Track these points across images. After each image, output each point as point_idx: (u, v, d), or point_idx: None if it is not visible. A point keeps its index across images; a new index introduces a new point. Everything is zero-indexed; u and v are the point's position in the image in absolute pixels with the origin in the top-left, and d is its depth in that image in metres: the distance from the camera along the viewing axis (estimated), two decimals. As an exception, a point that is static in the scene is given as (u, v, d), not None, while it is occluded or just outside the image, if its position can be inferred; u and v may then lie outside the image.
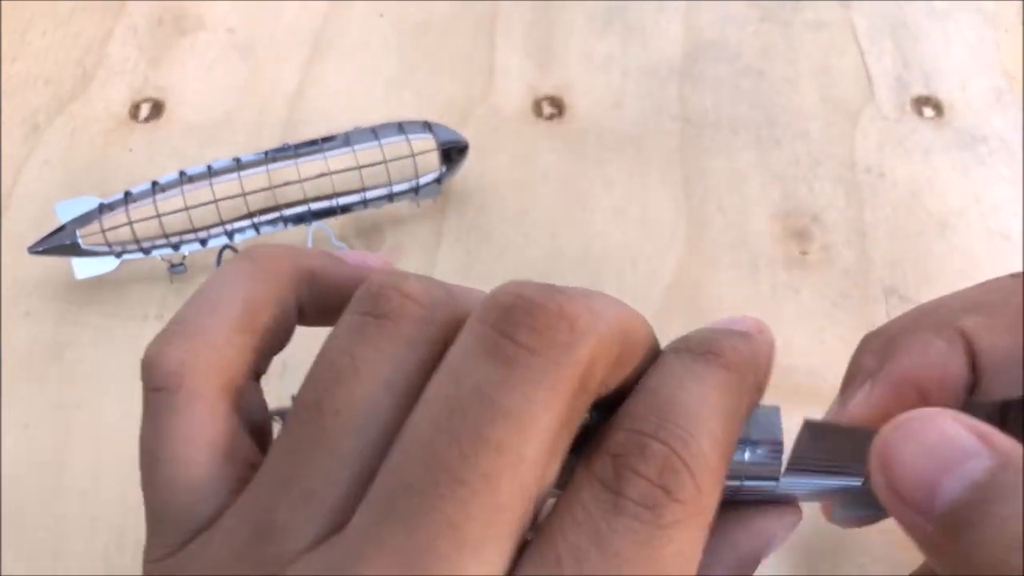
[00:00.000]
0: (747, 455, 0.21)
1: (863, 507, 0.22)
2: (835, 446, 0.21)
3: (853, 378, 0.25)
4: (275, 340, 0.22)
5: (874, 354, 0.25)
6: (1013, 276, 0.25)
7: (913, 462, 0.19)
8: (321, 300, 0.22)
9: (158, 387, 0.20)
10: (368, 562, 0.16)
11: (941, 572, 0.19)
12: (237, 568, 0.17)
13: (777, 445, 0.21)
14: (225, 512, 0.19)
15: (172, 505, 0.19)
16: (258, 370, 0.22)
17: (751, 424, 0.21)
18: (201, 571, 0.18)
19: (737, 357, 0.20)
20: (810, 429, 0.20)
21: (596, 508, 0.17)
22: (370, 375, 0.18)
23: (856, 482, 0.21)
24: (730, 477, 0.20)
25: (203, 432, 0.20)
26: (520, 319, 0.18)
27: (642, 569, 0.17)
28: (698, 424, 0.18)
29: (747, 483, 0.21)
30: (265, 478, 0.18)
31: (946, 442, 0.19)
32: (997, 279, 0.25)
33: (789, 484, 0.21)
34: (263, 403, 0.22)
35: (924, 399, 0.23)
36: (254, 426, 0.21)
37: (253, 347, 0.21)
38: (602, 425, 0.19)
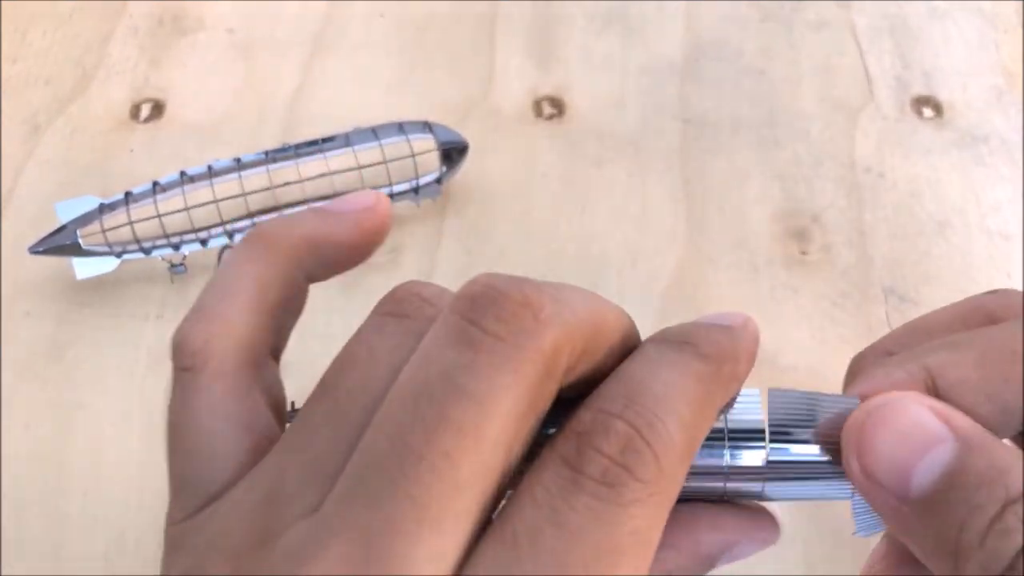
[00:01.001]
0: (728, 456, 0.21)
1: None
2: (802, 415, 0.21)
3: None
4: (288, 315, 0.23)
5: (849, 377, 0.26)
6: (988, 293, 0.26)
7: (886, 449, 0.20)
8: (326, 259, 0.24)
9: (185, 367, 0.21)
10: (336, 538, 0.17)
11: (913, 548, 0.20)
12: (243, 528, 0.18)
13: (758, 433, 0.21)
14: (242, 479, 0.20)
15: (193, 471, 0.20)
16: (276, 346, 0.23)
17: (731, 414, 0.21)
18: (213, 530, 0.19)
19: (713, 348, 0.20)
20: (773, 397, 0.21)
21: (555, 486, 0.18)
22: (383, 362, 0.20)
23: (842, 493, 0.22)
24: (712, 476, 0.21)
25: (224, 406, 0.21)
26: (487, 307, 0.18)
27: (597, 546, 0.17)
28: (666, 407, 0.19)
29: (731, 485, 0.21)
30: (280, 448, 0.20)
31: (916, 428, 0.20)
32: (971, 299, 0.26)
33: (774, 490, 0.21)
34: (279, 380, 0.23)
35: None
36: (273, 402, 0.22)
37: (268, 325, 0.22)
38: (572, 410, 0.19)
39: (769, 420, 0.21)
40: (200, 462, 0.20)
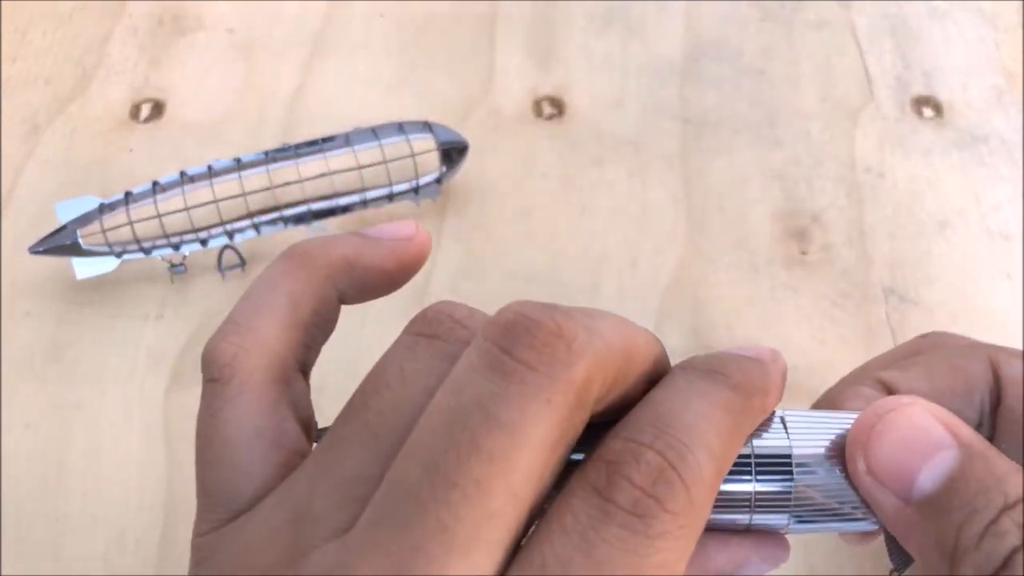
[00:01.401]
0: (755, 486, 0.21)
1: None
2: (824, 439, 0.22)
3: None
4: (319, 332, 0.23)
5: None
6: (920, 337, 0.30)
7: (892, 451, 0.21)
8: (360, 282, 0.24)
9: (214, 378, 0.21)
10: (365, 561, 0.17)
11: (910, 549, 0.21)
12: (271, 547, 0.18)
13: (785, 460, 0.21)
14: (270, 494, 0.20)
15: (220, 484, 0.20)
16: (305, 363, 0.23)
17: (756, 441, 0.21)
18: (241, 546, 0.19)
19: (744, 378, 0.20)
20: (792, 421, 0.22)
21: (585, 514, 0.18)
22: (415, 384, 0.20)
23: (869, 524, 0.22)
24: (738, 508, 0.21)
25: (252, 419, 0.21)
26: (520, 336, 0.19)
27: None
28: (696, 438, 0.19)
29: (756, 519, 0.21)
30: (309, 466, 0.20)
31: (920, 433, 0.21)
32: (908, 343, 0.30)
33: (800, 525, 0.21)
34: (308, 397, 0.23)
35: None
36: (300, 417, 0.22)
37: (299, 341, 0.23)
38: (601, 435, 0.19)
39: (793, 448, 0.21)
40: (227, 474, 0.20)
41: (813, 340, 0.41)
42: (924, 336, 0.30)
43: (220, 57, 0.51)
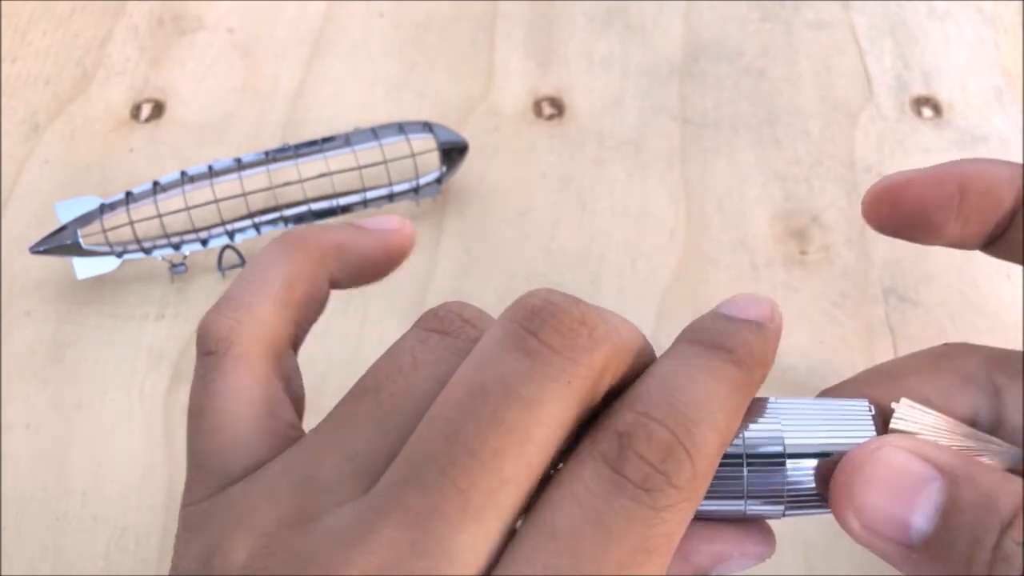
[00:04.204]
0: (746, 474, 0.21)
1: None
2: (816, 425, 0.22)
3: None
4: (310, 312, 0.24)
5: None
6: (943, 346, 0.27)
7: (879, 503, 0.20)
8: (350, 269, 0.25)
9: (210, 351, 0.22)
10: (386, 518, 0.18)
11: None
12: (275, 509, 0.19)
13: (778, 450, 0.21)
14: (270, 462, 0.20)
15: (214, 452, 0.21)
16: (296, 340, 0.24)
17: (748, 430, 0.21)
18: (244, 509, 0.19)
19: (747, 352, 0.21)
20: (783, 408, 0.22)
21: (597, 485, 0.18)
22: (426, 372, 0.21)
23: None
24: (732, 496, 0.21)
25: (248, 390, 0.22)
26: (546, 319, 0.20)
27: (633, 547, 0.18)
28: (704, 415, 0.19)
29: (751, 508, 0.21)
30: (318, 437, 0.20)
31: (903, 476, 0.20)
32: (930, 350, 0.27)
33: (794, 510, 0.21)
34: (299, 372, 0.24)
35: None
36: (292, 392, 0.23)
37: (291, 318, 0.23)
38: (610, 404, 0.20)
39: (786, 437, 0.21)
40: (223, 443, 0.21)
41: (813, 340, 0.41)
42: (946, 345, 0.28)
43: (220, 57, 0.51)
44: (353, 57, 0.51)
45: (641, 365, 0.22)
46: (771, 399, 0.22)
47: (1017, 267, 0.43)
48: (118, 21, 0.52)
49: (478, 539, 0.18)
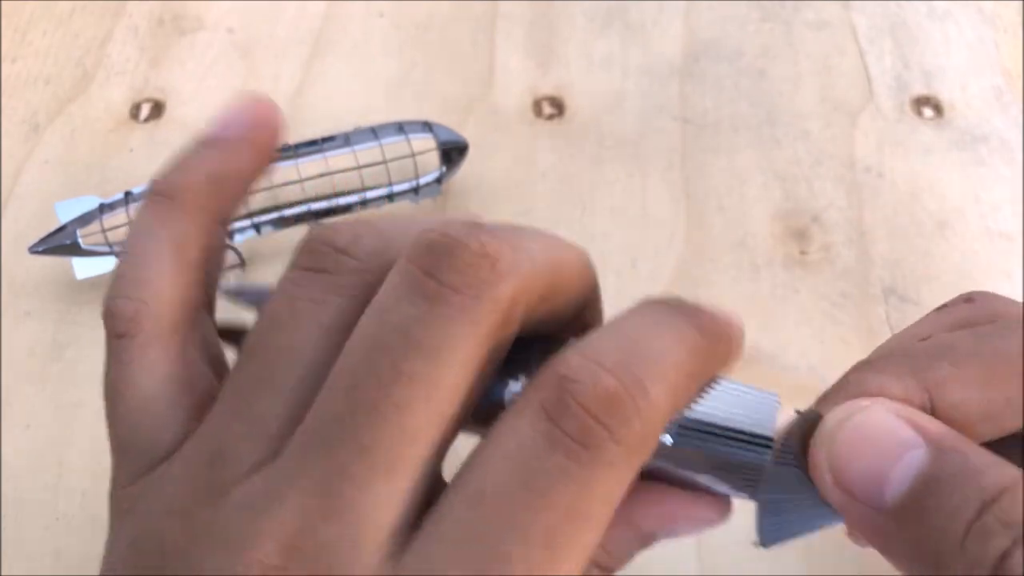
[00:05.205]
0: (732, 448, 0.20)
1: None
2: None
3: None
4: (211, 265, 0.23)
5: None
6: (965, 302, 0.25)
7: (858, 460, 0.19)
8: (232, 194, 0.24)
9: (120, 334, 0.21)
10: (292, 487, 0.17)
11: (893, 561, 0.19)
12: (192, 491, 0.19)
13: (766, 440, 0.20)
14: (188, 439, 0.20)
15: (136, 435, 0.21)
16: (207, 299, 0.23)
17: (743, 409, 0.20)
18: (164, 494, 0.19)
19: (712, 324, 0.20)
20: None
21: (531, 439, 0.17)
22: (308, 320, 0.20)
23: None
24: (699, 469, 0.20)
25: (162, 368, 0.21)
26: (443, 258, 0.18)
27: (565, 511, 0.17)
28: (659, 371, 0.18)
29: (722, 488, 0.20)
30: (221, 407, 0.20)
31: (887, 436, 0.19)
32: (952, 310, 0.25)
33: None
34: (215, 335, 0.23)
35: None
36: (210, 357, 0.22)
37: (194, 281, 0.22)
38: (559, 345, 0.19)
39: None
40: (143, 426, 0.20)
41: (813, 340, 0.41)
42: (970, 299, 0.25)
43: (220, 57, 0.51)
44: (353, 57, 0.51)
45: (575, 281, 0.21)
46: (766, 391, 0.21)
47: (1017, 267, 0.43)
48: (118, 21, 0.52)
49: (391, 497, 0.17)
